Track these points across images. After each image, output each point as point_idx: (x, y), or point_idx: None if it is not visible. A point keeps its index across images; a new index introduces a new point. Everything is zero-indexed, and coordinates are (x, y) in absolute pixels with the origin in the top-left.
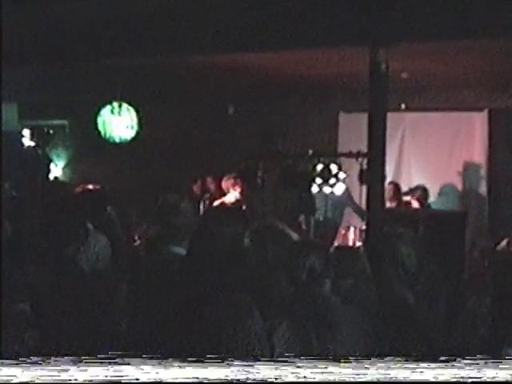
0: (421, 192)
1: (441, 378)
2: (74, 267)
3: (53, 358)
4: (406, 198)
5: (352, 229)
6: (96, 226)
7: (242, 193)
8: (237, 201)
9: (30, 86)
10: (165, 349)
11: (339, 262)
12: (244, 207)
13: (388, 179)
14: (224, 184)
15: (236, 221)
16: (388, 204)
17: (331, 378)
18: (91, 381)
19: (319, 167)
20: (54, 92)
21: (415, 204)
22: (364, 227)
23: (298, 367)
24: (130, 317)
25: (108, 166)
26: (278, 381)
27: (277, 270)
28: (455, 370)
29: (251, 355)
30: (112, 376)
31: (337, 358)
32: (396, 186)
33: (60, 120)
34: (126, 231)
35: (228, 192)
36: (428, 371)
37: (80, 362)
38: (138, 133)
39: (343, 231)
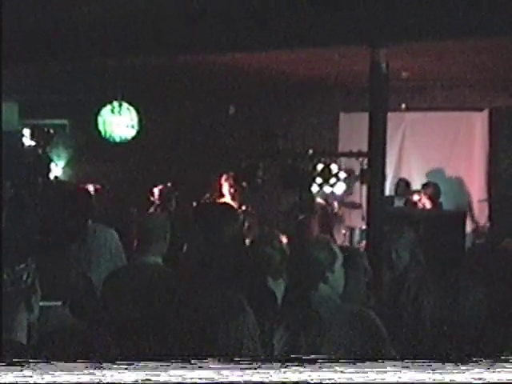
0: (432, 189)
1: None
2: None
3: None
4: (418, 196)
5: (352, 229)
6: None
7: (240, 192)
8: (234, 200)
9: (30, 86)
10: (156, 348)
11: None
12: (237, 207)
13: (388, 179)
14: (222, 183)
15: (228, 219)
16: (397, 202)
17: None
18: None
19: (319, 167)
20: (54, 92)
21: (426, 201)
22: (364, 227)
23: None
24: (122, 316)
25: (108, 166)
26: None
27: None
28: (452, 373)
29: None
30: (99, 379)
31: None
32: (406, 184)
33: (60, 120)
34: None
35: (226, 191)
36: (420, 374)
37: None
38: (138, 132)
39: (343, 231)
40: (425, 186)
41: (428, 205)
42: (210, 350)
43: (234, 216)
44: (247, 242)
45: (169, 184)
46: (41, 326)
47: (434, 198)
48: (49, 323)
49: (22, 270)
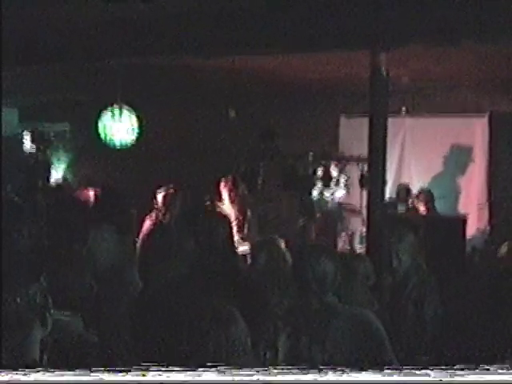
0: (426, 195)
1: None
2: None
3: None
4: (413, 201)
5: (352, 233)
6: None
7: (239, 196)
8: (234, 204)
9: (30, 90)
10: (148, 356)
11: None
12: (236, 210)
13: (389, 183)
14: (222, 186)
15: (220, 224)
16: (397, 207)
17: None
18: None
19: (320, 171)
20: (54, 96)
21: (421, 207)
22: (364, 232)
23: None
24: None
25: (108, 171)
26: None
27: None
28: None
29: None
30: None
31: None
32: (406, 189)
33: (60, 124)
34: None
35: (226, 195)
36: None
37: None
38: (138, 137)
39: (344, 236)
40: (418, 192)
41: (422, 210)
42: (201, 360)
43: (225, 220)
44: (246, 247)
45: (172, 188)
46: (55, 338)
47: (427, 204)
48: (62, 335)
49: (35, 290)
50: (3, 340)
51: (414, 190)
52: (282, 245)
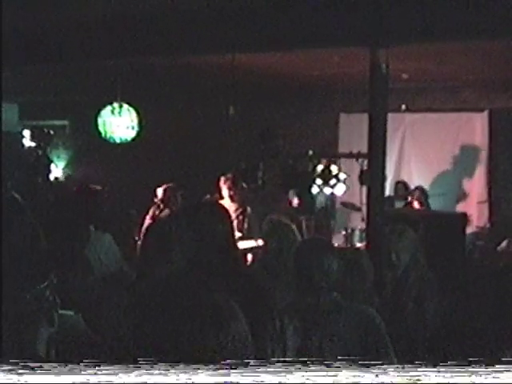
0: (419, 193)
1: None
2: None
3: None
4: (408, 198)
5: (352, 230)
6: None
7: (239, 193)
8: (234, 201)
9: (30, 87)
10: (144, 353)
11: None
12: (236, 207)
13: (388, 180)
14: (222, 184)
15: (220, 219)
16: (396, 203)
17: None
18: None
19: (319, 168)
20: (54, 93)
21: (416, 205)
22: (364, 228)
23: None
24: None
25: (108, 167)
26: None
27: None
28: (451, 375)
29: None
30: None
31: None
32: (404, 186)
33: (60, 120)
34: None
35: (226, 192)
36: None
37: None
38: (138, 133)
39: (343, 232)
40: (412, 190)
41: (417, 207)
42: (198, 358)
43: (225, 215)
44: (246, 243)
45: (172, 184)
46: (60, 336)
47: (421, 201)
48: (67, 332)
49: (44, 288)
50: (8, 338)
51: (412, 187)
52: (294, 227)
